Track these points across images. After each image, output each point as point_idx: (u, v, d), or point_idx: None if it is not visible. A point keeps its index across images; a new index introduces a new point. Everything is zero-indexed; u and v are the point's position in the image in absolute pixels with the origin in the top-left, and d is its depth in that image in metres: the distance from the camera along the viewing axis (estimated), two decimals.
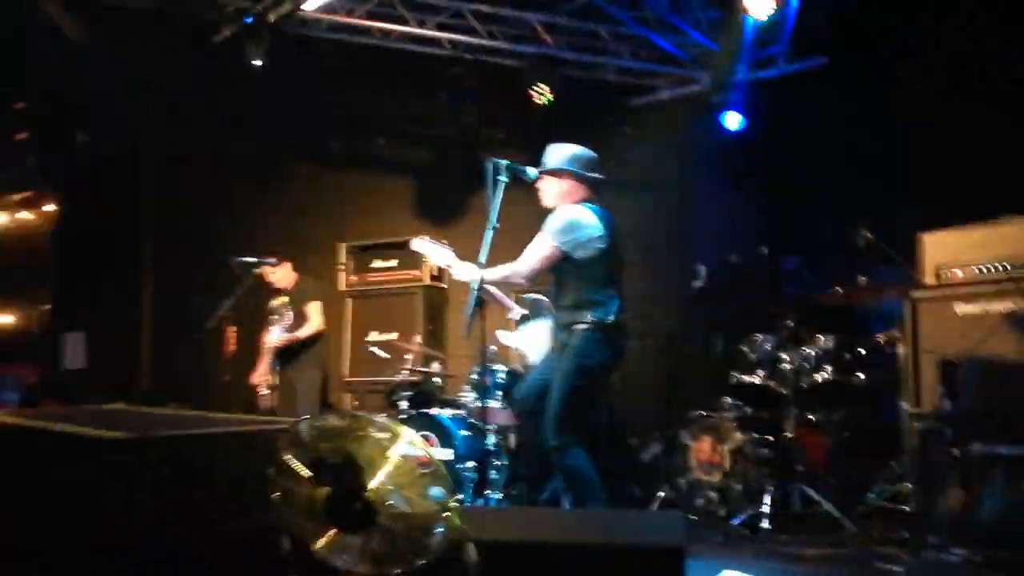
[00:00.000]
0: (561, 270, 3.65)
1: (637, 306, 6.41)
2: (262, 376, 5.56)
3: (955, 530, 3.68)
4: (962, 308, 3.93)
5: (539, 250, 3.59)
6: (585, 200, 3.72)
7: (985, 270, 3.89)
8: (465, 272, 3.63)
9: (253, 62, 5.30)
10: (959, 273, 4.01)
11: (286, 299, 5.73)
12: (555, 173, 3.72)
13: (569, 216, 3.62)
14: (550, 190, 3.74)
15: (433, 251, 3.81)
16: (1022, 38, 4.89)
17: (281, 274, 5.74)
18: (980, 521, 3.56)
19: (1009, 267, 3.81)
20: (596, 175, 3.77)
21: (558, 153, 3.72)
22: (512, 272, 3.63)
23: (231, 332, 5.11)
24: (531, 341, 4.16)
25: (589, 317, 3.52)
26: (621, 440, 5.89)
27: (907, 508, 4.14)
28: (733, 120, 6.05)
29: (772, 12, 5.00)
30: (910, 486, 4.10)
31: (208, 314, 5.15)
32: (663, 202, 6.52)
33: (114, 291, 6.87)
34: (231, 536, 2.13)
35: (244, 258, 5.50)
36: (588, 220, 3.62)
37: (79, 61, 5.53)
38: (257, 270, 5.49)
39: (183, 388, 6.21)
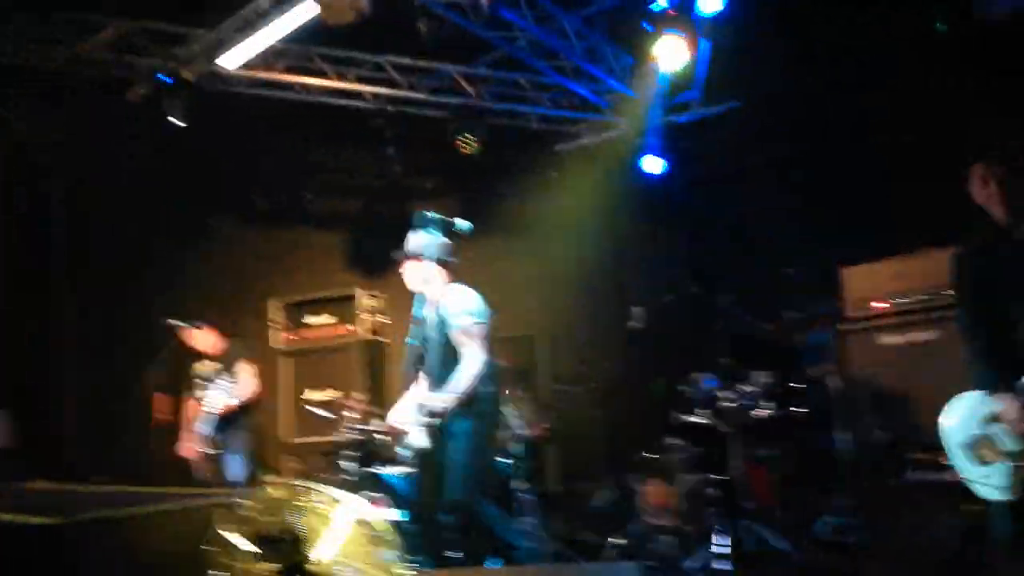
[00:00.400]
0: (454, 348, 3.67)
1: (577, 353, 6.48)
2: (195, 446, 5.33)
3: (898, 558, 3.75)
4: (886, 339, 4.08)
5: (475, 336, 3.60)
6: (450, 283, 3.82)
7: (905, 301, 4.06)
8: (438, 404, 3.59)
9: (174, 121, 5.20)
10: (881, 305, 4.16)
11: (217, 365, 5.53)
12: (418, 258, 3.77)
13: (470, 295, 3.73)
14: (417, 274, 3.80)
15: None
16: (931, 75, 5.16)
17: (205, 340, 5.54)
18: (920, 547, 3.64)
19: (925, 297, 3.98)
20: (454, 260, 3.88)
21: (422, 240, 3.78)
22: (473, 374, 3.57)
23: (159, 400, 4.90)
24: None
25: (482, 388, 3.62)
26: (574, 488, 5.86)
27: (852, 539, 4.21)
28: (653, 164, 6.21)
29: (683, 63, 5.14)
30: (853, 517, 4.17)
31: (137, 381, 4.93)
32: (594, 246, 6.60)
33: (33, 362, 6.52)
34: None
35: (174, 320, 5.31)
36: (478, 297, 3.75)
37: None
38: (181, 335, 5.29)
39: (111, 460, 5.90)
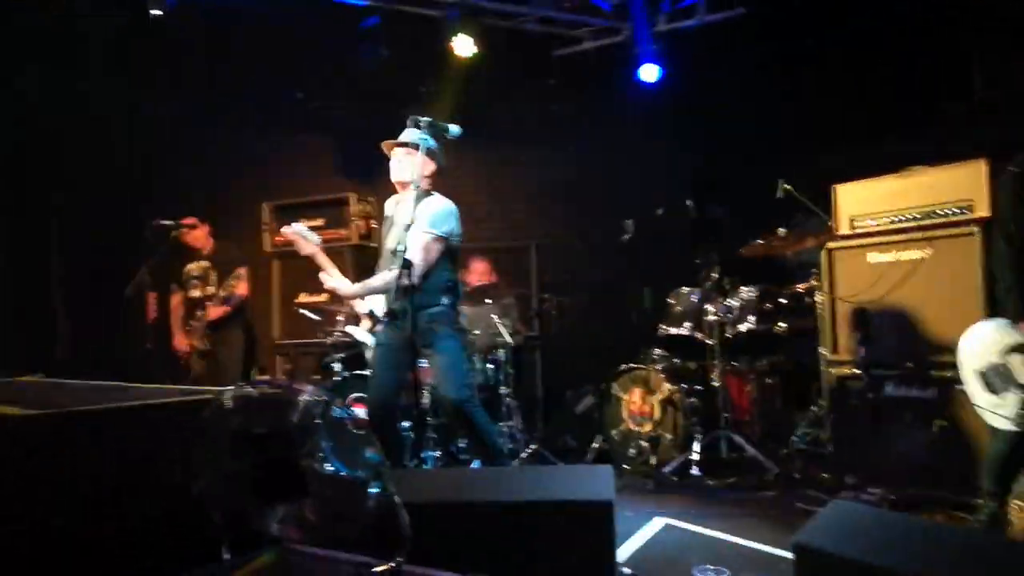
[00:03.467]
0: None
1: (568, 262, 6.51)
2: (188, 343, 5.42)
3: (871, 470, 3.88)
4: (874, 257, 4.09)
5: (427, 243, 3.62)
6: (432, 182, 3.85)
7: (894, 220, 4.05)
8: (341, 287, 3.72)
9: (152, 11, 5.03)
10: (871, 223, 4.16)
11: (207, 264, 5.57)
12: (413, 149, 3.71)
13: (446, 205, 3.75)
14: (406, 165, 3.76)
15: (305, 245, 3.76)
16: None
17: (199, 236, 5.59)
18: (893, 461, 3.77)
19: (917, 216, 3.97)
20: (442, 163, 3.90)
21: (418, 134, 3.67)
22: (389, 280, 3.60)
23: (152, 298, 4.94)
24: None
25: (446, 299, 3.73)
26: (557, 394, 6.00)
27: (827, 451, 4.33)
28: (649, 72, 6.07)
29: None
30: (829, 429, 4.29)
31: (128, 280, 4.95)
32: (590, 155, 6.54)
33: (25, 258, 6.50)
34: (158, 512, 2.08)
35: (162, 221, 5.30)
36: (454, 209, 3.77)
37: None
38: (175, 233, 5.31)
39: (103, 357, 5.98)
